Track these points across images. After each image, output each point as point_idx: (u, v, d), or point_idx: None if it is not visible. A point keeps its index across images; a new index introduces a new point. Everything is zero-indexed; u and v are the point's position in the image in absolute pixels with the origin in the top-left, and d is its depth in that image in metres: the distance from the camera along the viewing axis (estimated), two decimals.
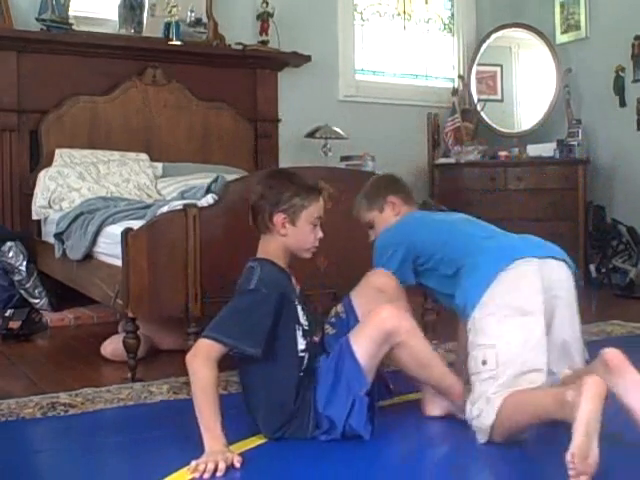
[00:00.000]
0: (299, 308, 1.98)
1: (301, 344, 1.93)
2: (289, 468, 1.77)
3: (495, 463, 1.82)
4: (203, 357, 1.80)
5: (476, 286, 1.93)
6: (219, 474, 1.66)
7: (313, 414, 1.88)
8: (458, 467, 1.81)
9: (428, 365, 1.97)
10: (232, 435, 1.83)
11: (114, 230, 2.82)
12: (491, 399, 1.82)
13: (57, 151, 4.03)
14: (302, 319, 1.97)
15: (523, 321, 1.87)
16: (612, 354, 1.77)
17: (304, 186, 2.01)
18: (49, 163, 3.98)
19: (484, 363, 1.85)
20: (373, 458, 1.83)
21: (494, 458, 1.82)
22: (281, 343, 1.90)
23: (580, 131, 4.94)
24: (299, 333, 1.94)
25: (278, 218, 1.97)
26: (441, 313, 3.00)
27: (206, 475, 1.65)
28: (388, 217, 2.28)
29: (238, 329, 1.82)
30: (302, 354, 1.93)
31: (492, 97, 5.59)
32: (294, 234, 1.98)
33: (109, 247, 2.86)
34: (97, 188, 3.82)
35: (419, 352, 1.95)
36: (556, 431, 1.74)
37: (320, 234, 2.04)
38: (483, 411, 1.82)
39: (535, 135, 5.27)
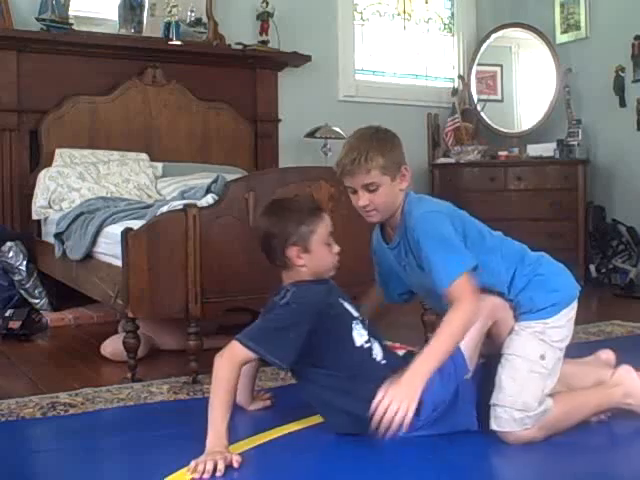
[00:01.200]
0: (346, 304, 1.99)
1: (363, 335, 1.94)
2: (289, 468, 1.77)
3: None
4: (230, 359, 1.82)
5: (557, 302, 1.96)
6: (218, 474, 1.66)
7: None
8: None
9: None
10: (232, 435, 1.82)
11: (114, 230, 2.82)
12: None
13: (57, 151, 4.03)
14: (354, 313, 1.99)
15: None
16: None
17: (305, 211, 1.99)
18: (49, 163, 3.98)
19: (542, 358, 1.90)
20: (374, 456, 1.83)
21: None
22: (337, 351, 1.91)
23: (580, 131, 4.94)
24: (358, 327, 1.95)
25: (291, 252, 1.94)
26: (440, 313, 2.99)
27: (206, 475, 1.65)
28: (395, 189, 1.99)
29: (270, 341, 1.83)
30: (367, 344, 1.94)
31: (492, 97, 5.59)
32: (311, 260, 1.96)
33: (109, 247, 2.86)
34: (97, 188, 3.82)
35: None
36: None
37: (336, 248, 2.01)
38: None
39: (535, 135, 5.27)
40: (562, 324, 1.95)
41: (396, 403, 1.73)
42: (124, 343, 2.61)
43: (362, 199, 1.96)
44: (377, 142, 1.98)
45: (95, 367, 2.88)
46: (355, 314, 1.98)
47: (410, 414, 1.73)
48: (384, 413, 1.73)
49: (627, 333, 3.29)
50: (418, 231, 1.91)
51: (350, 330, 1.93)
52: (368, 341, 1.94)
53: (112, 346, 2.93)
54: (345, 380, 1.88)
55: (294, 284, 1.94)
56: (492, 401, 1.88)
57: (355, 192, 1.98)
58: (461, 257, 1.87)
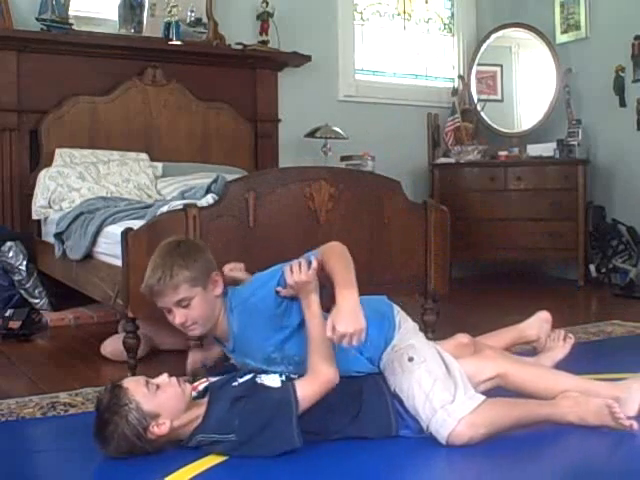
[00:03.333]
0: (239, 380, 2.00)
1: (275, 379, 1.94)
2: (288, 465, 1.77)
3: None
4: None
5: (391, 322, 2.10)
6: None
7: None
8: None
9: None
10: None
11: (114, 230, 2.82)
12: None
13: (57, 151, 4.03)
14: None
15: None
16: None
17: None
18: (49, 163, 3.98)
19: (410, 359, 1.96)
20: (377, 456, 1.83)
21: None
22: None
23: (580, 131, 4.94)
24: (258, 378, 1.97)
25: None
26: (440, 313, 3.00)
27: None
28: (210, 298, 1.97)
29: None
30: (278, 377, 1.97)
31: (492, 97, 5.59)
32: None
33: (109, 247, 2.86)
34: (97, 188, 3.82)
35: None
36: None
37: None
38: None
39: (535, 135, 5.27)
40: (401, 325, 2.06)
41: (349, 331, 1.79)
42: (124, 343, 2.61)
43: (178, 316, 1.94)
44: (180, 256, 1.92)
45: (95, 367, 2.88)
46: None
47: (363, 335, 1.80)
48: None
49: (627, 333, 3.29)
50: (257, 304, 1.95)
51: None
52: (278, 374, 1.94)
53: (112, 346, 2.94)
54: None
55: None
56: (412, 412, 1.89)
57: (170, 311, 1.95)
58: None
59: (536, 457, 1.82)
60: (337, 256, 1.93)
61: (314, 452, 1.82)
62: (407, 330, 2.06)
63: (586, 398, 1.94)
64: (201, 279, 1.92)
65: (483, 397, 1.88)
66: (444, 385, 1.87)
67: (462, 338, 2.22)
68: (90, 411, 2.22)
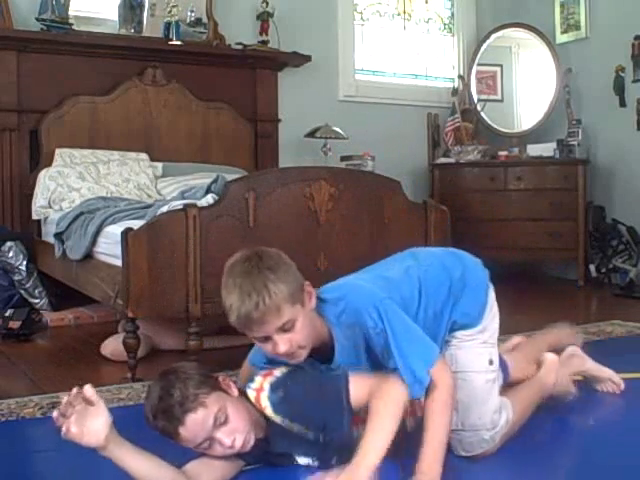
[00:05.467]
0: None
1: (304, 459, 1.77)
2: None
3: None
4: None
5: (484, 301, 1.88)
6: None
7: None
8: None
9: None
10: None
11: (114, 230, 2.82)
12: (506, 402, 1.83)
13: (57, 151, 4.03)
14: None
15: None
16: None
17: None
18: (49, 163, 3.98)
19: (491, 362, 1.81)
20: None
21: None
22: None
23: (580, 131, 4.93)
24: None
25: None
26: None
27: None
28: (309, 314, 1.63)
29: None
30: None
31: (492, 97, 5.59)
32: None
33: (109, 247, 2.86)
34: (97, 188, 3.82)
35: None
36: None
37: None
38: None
39: (535, 135, 5.27)
40: (491, 316, 1.85)
41: None
42: (124, 343, 2.61)
43: (282, 344, 1.56)
44: (270, 271, 1.55)
45: (95, 367, 2.88)
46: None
47: None
48: None
49: (627, 333, 3.29)
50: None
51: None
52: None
53: (112, 346, 2.93)
54: None
55: None
56: (455, 427, 1.72)
57: (268, 339, 1.57)
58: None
59: (537, 457, 1.82)
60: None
61: None
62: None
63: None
64: (298, 293, 1.58)
65: (509, 405, 1.84)
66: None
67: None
68: None
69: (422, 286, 1.75)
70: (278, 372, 1.69)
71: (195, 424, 1.55)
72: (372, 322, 1.60)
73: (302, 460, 1.71)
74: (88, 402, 1.51)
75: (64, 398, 1.51)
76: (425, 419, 1.61)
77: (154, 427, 1.59)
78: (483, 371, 1.78)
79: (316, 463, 1.70)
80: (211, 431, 1.57)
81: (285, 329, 1.55)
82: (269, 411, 1.65)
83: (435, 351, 1.63)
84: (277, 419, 1.65)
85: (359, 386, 1.62)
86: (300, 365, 1.66)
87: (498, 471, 1.76)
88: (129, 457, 1.57)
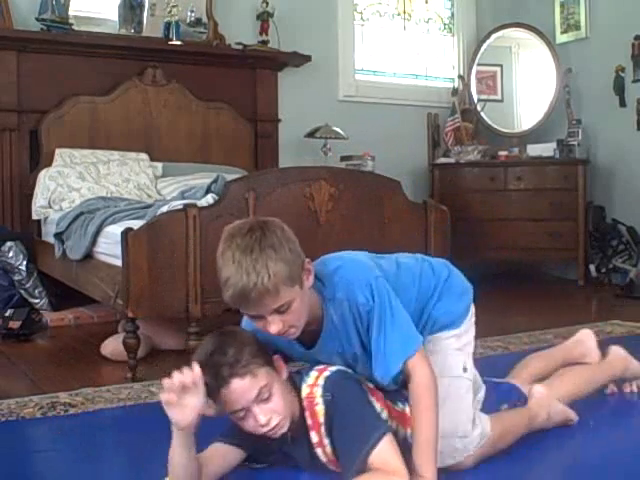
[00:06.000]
0: None
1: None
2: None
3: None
4: None
5: (468, 304, 1.86)
6: None
7: None
8: None
9: None
10: None
11: (114, 230, 2.82)
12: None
13: (57, 151, 4.03)
14: None
15: None
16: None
17: None
18: (49, 163, 3.98)
19: (465, 370, 1.75)
20: None
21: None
22: None
23: (580, 131, 4.94)
24: None
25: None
26: None
27: None
28: (306, 293, 1.56)
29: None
30: None
31: (492, 97, 5.59)
32: None
33: (109, 247, 2.86)
34: (97, 188, 3.82)
35: None
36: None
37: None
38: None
39: (535, 135, 5.27)
40: (470, 325, 1.81)
41: None
42: (124, 343, 2.61)
43: (274, 326, 1.50)
44: (272, 249, 1.46)
45: (95, 367, 2.88)
46: None
47: None
48: None
49: (627, 333, 3.29)
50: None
51: None
52: None
53: (112, 346, 2.93)
54: None
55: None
56: None
57: (259, 317, 1.52)
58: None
59: (537, 457, 1.82)
60: (425, 419, 1.55)
61: None
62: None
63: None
64: (298, 273, 1.50)
65: (488, 418, 1.78)
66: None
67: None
68: (90, 411, 2.23)
69: (415, 276, 1.74)
70: (332, 370, 1.64)
71: (238, 390, 1.51)
72: (363, 298, 1.56)
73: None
74: (193, 383, 1.48)
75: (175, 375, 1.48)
76: (411, 418, 1.57)
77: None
78: (456, 376, 1.73)
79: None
80: (251, 403, 1.53)
81: (280, 311, 1.49)
82: (320, 407, 1.60)
83: (418, 341, 1.58)
84: (320, 416, 1.61)
85: (383, 455, 1.53)
86: (349, 374, 1.63)
87: (498, 471, 1.76)
88: (181, 448, 1.56)
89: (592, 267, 4.80)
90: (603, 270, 4.79)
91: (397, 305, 1.59)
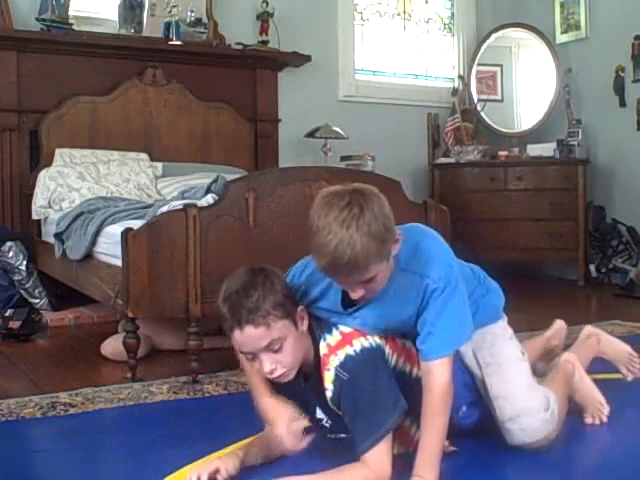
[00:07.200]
0: None
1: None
2: (288, 466, 1.77)
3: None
4: None
5: (502, 299, 1.99)
6: None
7: None
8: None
9: None
10: (232, 435, 1.82)
11: (114, 230, 2.82)
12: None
13: (57, 151, 4.03)
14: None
15: None
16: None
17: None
18: (49, 163, 3.98)
19: (523, 353, 1.89)
20: None
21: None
22: None
23: (580, 131, 4.94)
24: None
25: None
26: None
27: None
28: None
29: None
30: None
31: (492, 97, 5.59)
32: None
33: (109, 247, 2.86)
34: (97, 188, 3.82)
35: None
36: None
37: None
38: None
39: (535, 135, 5.27)
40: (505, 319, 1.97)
41: None
42: (124, 343, 2.61)
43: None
44: (366, 225, 1.48)
45: (95, 367, 2.88)
46: None
47: None
48: None
49: (627, 333, 3.29)
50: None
51: None
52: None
53: (112, 346, 2.93)
54: None
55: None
56: (508, 416, 1.75)
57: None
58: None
59: (537, 457, 1.82)
60: (432, 426, 1.59)
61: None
62: None
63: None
64: (387, 250, 1.54)
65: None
66: None
67: None
68: (90, 411, 2.23)
69: (464, 271, 1.81)
70: (362, 343, 1.62)
71: (250, 337, 1.53)
72: (436, 276, 1.59)
73: (319, 414, 1.71)
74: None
75: None
76: (421, 421, 1.59)
77: (218, 307, 1.58)
78: (519, 360, 1.84)
79: (328, 424, 1.71)
80: (260, 350, 1.55)
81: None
82: (329, 381, 1.62)
83: (462, 339, 1.65)
84: (329, 388, 1.62)
85: (378, 454, 1.57)
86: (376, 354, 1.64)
87: (497, 472, 1.76)
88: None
89: (592, 267, 4.80)
90: (603, 270, 4.79)
91: (464, 295, 1.65)
